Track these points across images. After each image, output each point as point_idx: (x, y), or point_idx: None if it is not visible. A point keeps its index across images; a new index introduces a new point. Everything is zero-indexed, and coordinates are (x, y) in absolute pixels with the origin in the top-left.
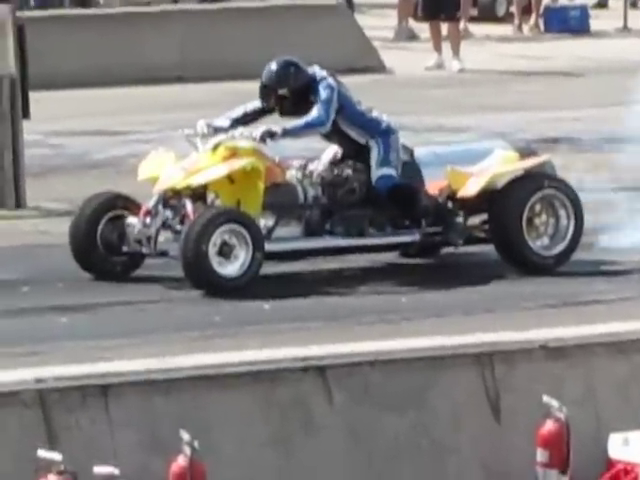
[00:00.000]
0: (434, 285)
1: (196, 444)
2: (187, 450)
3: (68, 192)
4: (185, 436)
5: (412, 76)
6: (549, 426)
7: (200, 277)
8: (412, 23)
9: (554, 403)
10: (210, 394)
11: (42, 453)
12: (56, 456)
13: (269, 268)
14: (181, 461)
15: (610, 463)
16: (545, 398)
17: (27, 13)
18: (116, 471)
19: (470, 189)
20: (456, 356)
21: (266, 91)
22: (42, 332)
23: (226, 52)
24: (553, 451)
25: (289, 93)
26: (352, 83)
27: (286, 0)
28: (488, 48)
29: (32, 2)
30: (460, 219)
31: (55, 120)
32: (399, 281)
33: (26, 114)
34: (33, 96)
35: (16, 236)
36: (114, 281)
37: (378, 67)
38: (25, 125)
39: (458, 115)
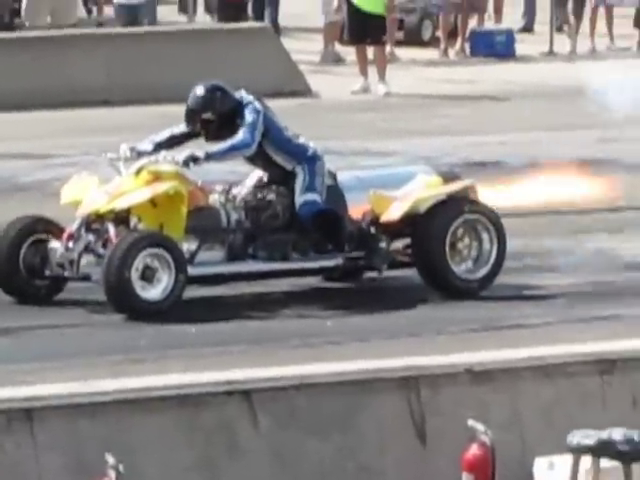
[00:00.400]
0: (359, 309)
1: (121, 467)
2: (112, 473)
3: None
4: (110, 459)
5: (338, 100)
6: (474, 450)
7: (123, 301)
8: (338, 47)
9: (479, 427)
10: (134, 418)
11: None
12: None
13: (192, 292)
14: None
15: None
16: (470, 422)
17: None
18: None
19: (393, 213)
20: (381, 380)
21: (192, 115)
22: None
23: (153, 75)
24: (478, 475)
25: (215, 117)
26: (278, 107)
27: (213, 24)
28: (414, 72)
29: None
30: (383, 244)
31: None
32: (323, 305)
33: None
34: None
35: None
36: (37, 305)
37: (304, 91)
38: None
39: (384, 139)
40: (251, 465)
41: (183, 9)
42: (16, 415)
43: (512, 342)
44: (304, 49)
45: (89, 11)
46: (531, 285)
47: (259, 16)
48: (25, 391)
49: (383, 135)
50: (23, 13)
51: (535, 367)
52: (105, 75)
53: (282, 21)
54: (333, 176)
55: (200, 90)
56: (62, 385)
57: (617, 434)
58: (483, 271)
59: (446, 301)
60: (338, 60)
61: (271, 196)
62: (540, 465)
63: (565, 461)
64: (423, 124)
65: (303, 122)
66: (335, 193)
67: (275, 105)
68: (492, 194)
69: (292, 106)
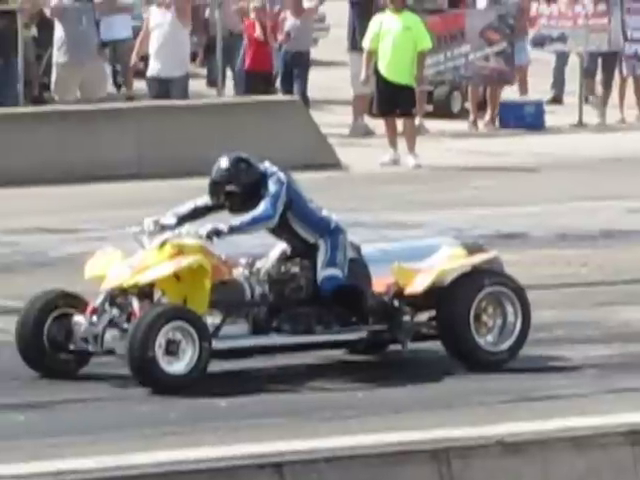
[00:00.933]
0: (386, 381)
1: None
2: None
3: (23, 289)
4: None
5: (368, 172)
6: None
7: (147, 376)
8: (367, 119)
9: None
10: None
11: None
12: None
13: (218, 366)
14: None
15: None
16: None
17: None
18: None
19: (417, 286)
20: (413, 452)
21: (216, 188)
22: (0, 430)
23: (183, 149)
24: None
25: (239, 189)
26: (308, 180)
27: (241, 97)
28: (444, 144)
29: None
30: (407, 317)
31: (10, 217)
32: (351, 377)
33: None
34: None
35: None
36: (62, 379)
37: (334, 163)
38: None
39: (414, 211)
40: None
41: (212, 82)
42: None
43: (543, 413)
44: (333, 122)
45: (118, 85)
46: (561, 356)
47: (288, 89)
48: (56, 465)
49: (413, 207)
50: (52, 87)
51: (567, 438)
52: (135, 149)
53: (311, 93)
54: (357, 249)
55: (224, 162)
56: (93, 459)
57: None
58: (508, 343)
59: (475, 373)
60: (367, 133)
61: (295, 269)
62: None
63: None
64: (452, 196)
65: (332, 195)
66: (358, 266)
67: (304, 178)
68: (521, 266)
69: (321, 179)
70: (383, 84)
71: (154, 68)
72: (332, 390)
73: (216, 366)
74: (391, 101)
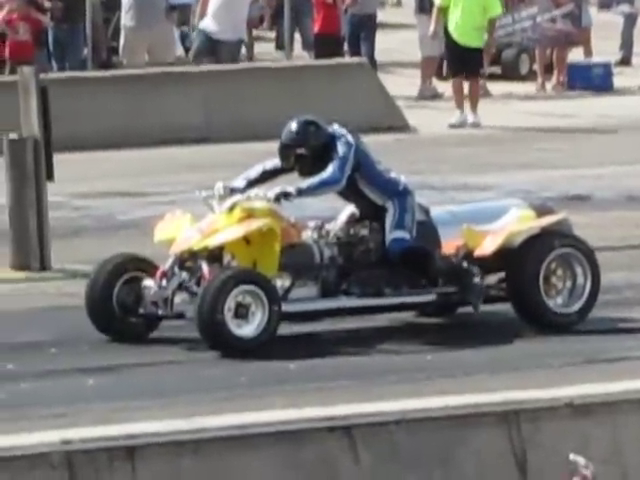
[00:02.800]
0: (456, 344)
1: None
2: None
3: (93, 254)
4: None
5: (436, 134)
6: None
7: (217, 339)
8: (435, 82)
9: (581, 460)
10: (237, 454)
11: None
12: None
13: (288, 329)
14: None
15: None
16: (571, 456)
17: (50, 75)
18: None
19: (486, 248)
20: (482, 414)
21: (286, 150)
22: (70, 394)
23: (250, 112)
24: None
25: (308, 152)
26: (376, 142)
27: (309, 60)
28: (512, 106)
29: (54, 65)
30: (477, 279)
31: (79, 182)
32: (420, 340)
33: (50, 176)
34: (57, 158)
35: (41, 298)
36: (136, 343)
37: (402, 126)
38: (49, 187)
39: (482, 173)
40: None
41: (280, 46)
42: (118, 453)
43: (612, 375)
44: (401, 85)
45: (187, 49)
46: (631, 318)
47: (356, 52)
48: (129, 428)
49: (481, 169)
50: (121, 51)
51: (636, 400)
52: (203, 112)
53: (378, 57)
54: (426, 211)
55: (294, 125)
56: (164, 422)
57: None
58: (577, 305)
59: (545, 335)
60: (435, 95)
61: (363, 232)
62: None
63: None
64: (521, 157)
65: (401, 157)
66: (427, 228)
67: (372, 140)
68: (590, 228)
69: (390, 141)
70: (452, 45)
71: (207, 24)
72: (401, 353)
73: (286, 329)
74: (459, 63)
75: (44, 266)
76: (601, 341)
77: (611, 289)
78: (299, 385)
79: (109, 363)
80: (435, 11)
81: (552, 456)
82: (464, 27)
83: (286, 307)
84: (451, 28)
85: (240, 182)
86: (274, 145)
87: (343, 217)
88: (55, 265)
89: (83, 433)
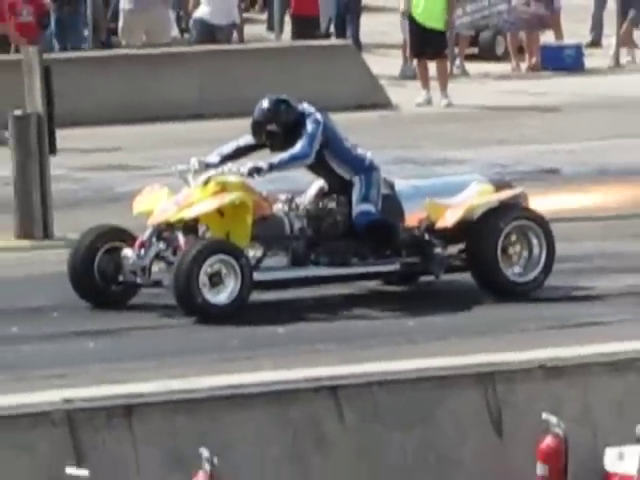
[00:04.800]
0: (429, 311)
1: (215, 461)
2: (207, 466)
3: (92, 223)
4: (205, 453)
5: (418, 112)
6: (548, 441)
7: (192, 306)
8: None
9: (553, 420)
10: (228, 413)
11: (70, 470)
12: (83, 473)
13: (271, 295)
14: (201, 477)
15: (606, 476)
16: (544, 415)
17: (53, 55)
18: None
19: (448, 220)
20: (460, 376)
21: (257, 127)
22: (70, 356)
23: (242, 90)
24: (552, 465)
25: (279, 129)
26: (361, 119)
27: (298, 42)
28: (488, 85)
29: (56, 45)
30: (439, 249)
31: (78, 156)
32: (395, 306)
33: (53, 150)
34: (59, 133)
35: (44, 265)
36: (115, 309)
37: (385, 103)
38: (52, 160)
39: (461, 148)
40: (337, 457)
41: (271, 27)
42: (116, 412)
43: (583, 339)
44: (384, 64)
45: (182, 31)
46: (602, 286)
47: (341, 33)
48: (125, 388)
49: (459, 144)
50: (120, 32)
51: (606, 363)
52: (197, 90)
53: (363, 38)
54: (390, 186)
55: (265, 103)
56: (161, 383)
57: None
58: (533, 274)
59: (520, 301)
60: (416, 75)
61: (331, 205)
62: (610, 455)
63: (634, 451)
64: (497, 134)
65: (385, 133)
66: (392, 202)
67: (358, 117)
68: (562, 199)
69: (374, 118)
70: (415, 28)
71: (203, 11)
72: (381, 318)
73: (272, 296)
74: (422, 45)
75: (47, 235)
76: (573, 307)
77: (583, 257)
78: (287, 348)
79: (108, 327)
80: None
81: (526, 416)
82: (427, 10)
83: (258, 276)
84: (417, 12)
85: (214, 157)
86: None
87: (312, 191)
88: (57, 234)
89: (83, 393)
